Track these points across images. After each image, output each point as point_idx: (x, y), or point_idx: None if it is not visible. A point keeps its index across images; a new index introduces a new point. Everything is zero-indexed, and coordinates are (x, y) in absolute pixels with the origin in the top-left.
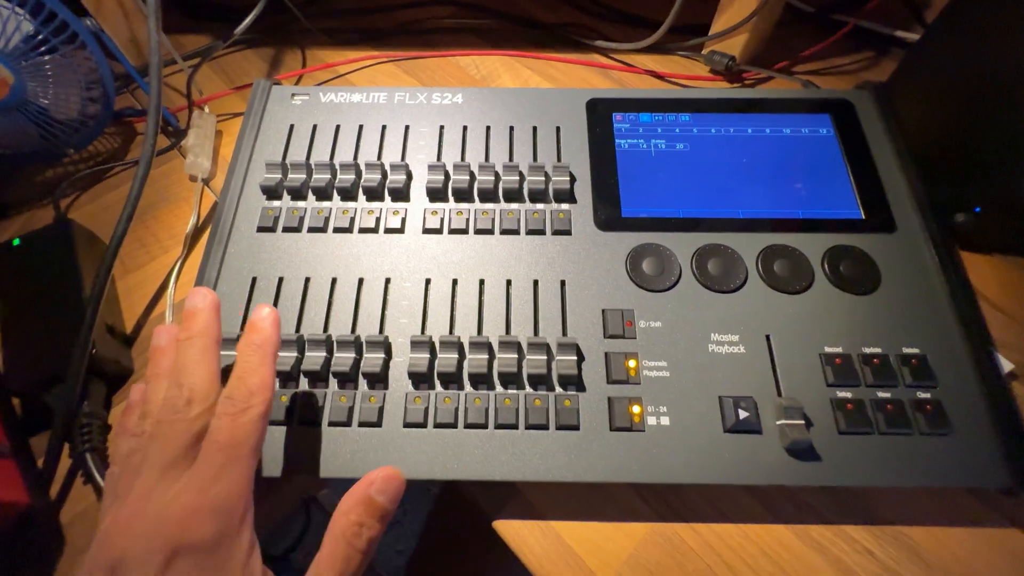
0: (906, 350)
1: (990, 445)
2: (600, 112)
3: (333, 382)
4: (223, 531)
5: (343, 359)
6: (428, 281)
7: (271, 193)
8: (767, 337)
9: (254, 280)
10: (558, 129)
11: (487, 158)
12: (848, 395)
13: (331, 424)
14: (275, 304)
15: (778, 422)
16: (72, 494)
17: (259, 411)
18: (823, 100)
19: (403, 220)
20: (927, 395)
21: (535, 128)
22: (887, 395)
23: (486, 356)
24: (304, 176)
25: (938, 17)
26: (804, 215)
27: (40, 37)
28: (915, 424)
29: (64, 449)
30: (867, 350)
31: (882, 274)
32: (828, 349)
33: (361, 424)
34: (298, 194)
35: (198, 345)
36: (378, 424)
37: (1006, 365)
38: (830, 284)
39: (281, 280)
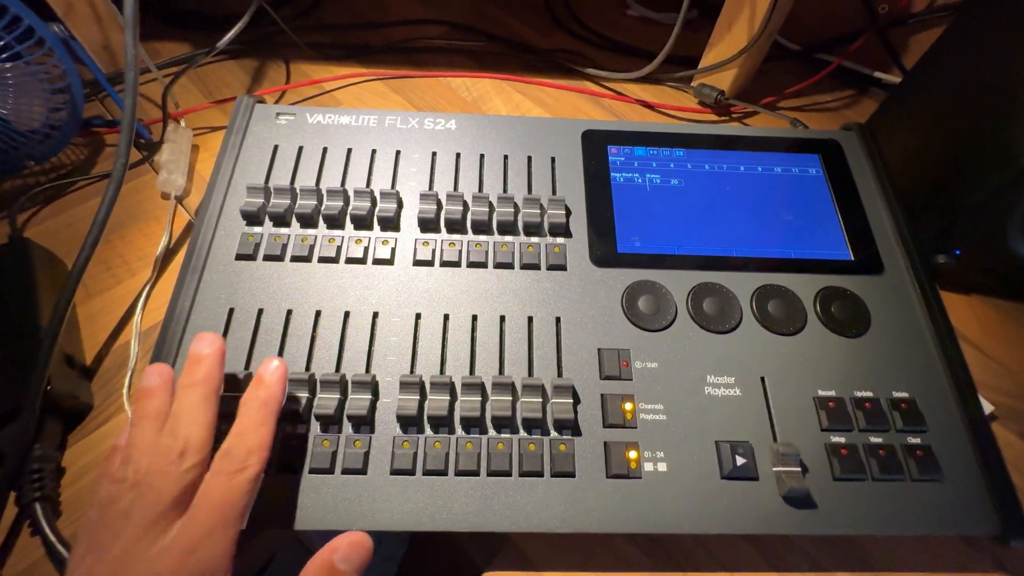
0: (896, 394)
1: (979, 491)
2: (595, 144)
3: (315, 425)
4: None
5: (327, 400)
6: (418, 316)
7: (252, 219)
8: (762, 379)
9: (231, 311)
10: (553, 160)
11: (480, 188)
12: (842, 440)
13: (312, 471)
14: (253, 338)
15: (775, 468)
16: (16, 549)
17: (254, 472)
18: (812, 140)
19: (393, 250)
20: (917, 440)
21: (530, 158)
22: (879, 440)
23: (479, 398)
24: (288, 201)
25: (920, 61)
26: (795, 255)
27: (2, 43)
28: (907, 470)
29: (10, 497)
30: (859, 394)
31: (871, 316)
32: (822, 392)
33: (345, 471)
34: (281, 220)
35: (199, 393)
36: (363, 471)
37: (987, 406)
38: (822, 326)
39: (261, 312)
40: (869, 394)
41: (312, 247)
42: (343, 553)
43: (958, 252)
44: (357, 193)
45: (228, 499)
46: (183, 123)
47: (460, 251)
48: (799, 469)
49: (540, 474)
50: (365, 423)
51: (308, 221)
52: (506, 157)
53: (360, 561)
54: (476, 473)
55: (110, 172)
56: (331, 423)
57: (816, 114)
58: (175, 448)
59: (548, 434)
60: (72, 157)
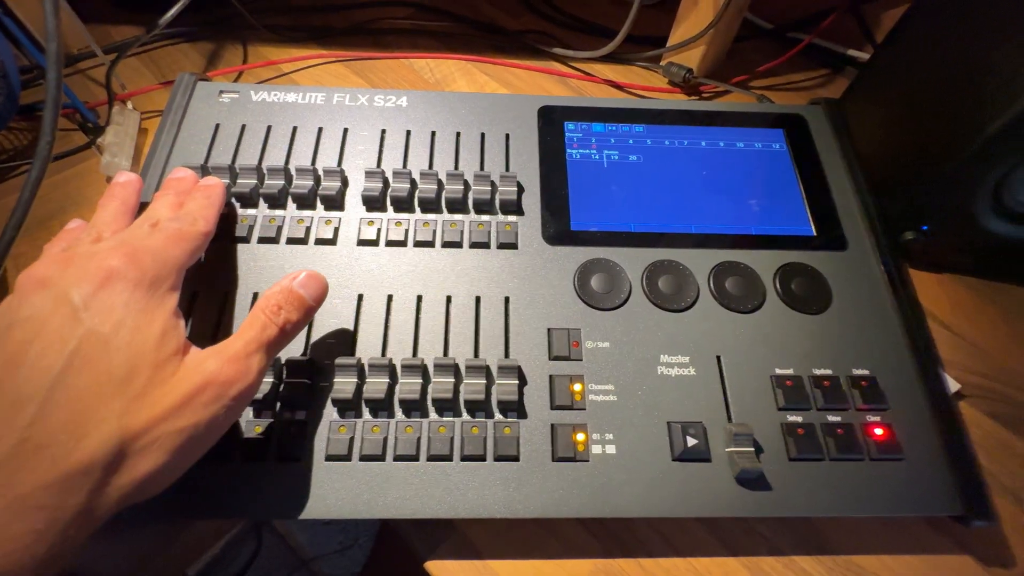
0: (856, 371)
1: (940, 470)
2: (552, 120)
3: (248, 410)
4: (160, 277)
5: (262, 385)
6: (360, 297)
7: None
8: (718, 358)
9: None
10: (507, 136)
11: (430, 165)
12: (799, 419)
13: (244, 458)
14: (187, 321)
15: (727, 449)
16: None
17: (202, 228)
18: (777, 115)
19: (336, 230)
20: (877, 418)
21: (483, 135)
22: (837, 419)
23: (420, 380)
24: (228, 181)
25: (888, 36)
26: (756, 231)
27: None
28: (866, 449)
29: None
30: (818, 372)
31: (833, 293)
32: (779, 371)
33: (280, 458)
34: None
35: (172, 195)
36: (297, 457)
37: (952, 385)
38: (782, 303)
39: (196, 295)
40: (828, 372)
41: (252, 227)
42: (301, 280)
43: (925, 228)
44: (299, 171)
45: (182, 232)
46: (130, 105)
47: (406, 230)
48: (752, 449)
49: (482, 458)
50: (301, 408)
51: (248, 201)
52: (459, 134)
53: (315, 290)
54: (415, 458)
55: (49, 154)
56: (265, 408)
57: (789, 93)
58: (148, 221)
59: (492, 417)
60: (14, 142)
